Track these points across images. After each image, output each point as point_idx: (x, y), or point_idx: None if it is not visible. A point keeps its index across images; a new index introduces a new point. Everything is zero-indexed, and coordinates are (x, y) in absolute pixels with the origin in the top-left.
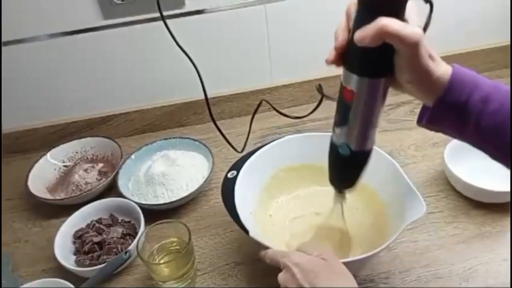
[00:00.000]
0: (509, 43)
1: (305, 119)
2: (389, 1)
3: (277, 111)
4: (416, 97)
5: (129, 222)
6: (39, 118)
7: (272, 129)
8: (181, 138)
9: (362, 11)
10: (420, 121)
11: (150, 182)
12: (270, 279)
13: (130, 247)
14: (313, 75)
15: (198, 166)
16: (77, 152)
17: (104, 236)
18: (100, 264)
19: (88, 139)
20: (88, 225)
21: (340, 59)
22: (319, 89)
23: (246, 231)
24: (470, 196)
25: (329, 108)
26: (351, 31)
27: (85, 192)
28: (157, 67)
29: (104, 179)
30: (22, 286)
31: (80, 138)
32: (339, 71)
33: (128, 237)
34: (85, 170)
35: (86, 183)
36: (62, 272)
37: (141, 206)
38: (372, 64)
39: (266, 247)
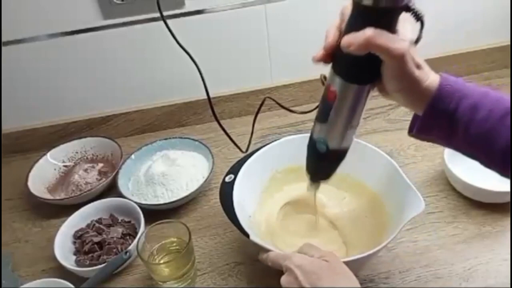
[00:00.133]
0: (509, 43)
1: (305, 119)
2: (381, 12)
3: (283, 107)
4: (405, 106)
5: (129, 222)
6: (39, 118)
7: (272, 129)
8: (181, 138)
9: (353, 17)
10: (411, 131)
11: (150, 182)
12: (270, 279)
13: (130, 247)
14: (313, 75)
15: (198, 166)
16: (77, 152)
17: (104, 236)
18: (100, 264)
19: (88, 139)
20: (88, 225)
21: (327, 58)
22: (325, 80)
23: (247, 235)
24: (470, 196)
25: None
26: (342, 33)
27: (85, 192)
28: (157, 67)
29: (104, 179)
30: (22, 286)
31: (80, 138)
32: None
33: (128, 237)
34: (85, 170)
35: (86, 183)
36: (62, 272)
37: (141, 206)
38: (357, 71)
39: (267, 250)
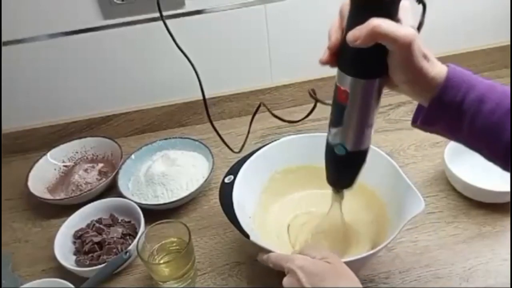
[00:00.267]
0: (509, 43)
1: (305, 119)
2: (382, 1)
3: (273, 115)
4: (412, 98)
5: (129, 222)
6: (39, 118)
7: (272, 129)
8: (181, 138)
9: (354, 11)
10: (415, 122)
11: (150, 182)
12: (270, 279)
13: (130, 247)
14: (313, 75)
15: (198, 166)
16: (77, 152)
17: (104, 236)
18: (100, 264)
19: (88, 139)
20: (88, 225)
21: (333, 59)
22: (312, 94)
23: (247, 236)
24: (470, 196)
25: (329, 108)
26: (344, 31)
27: (85, 192)
28: (157, 67)
29: (104, 179)
30: (22, 286)
31: (80, 138)
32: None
33: (128, 237)
34: (85, 170)
35: (86, 183)
36: (62, 272)
37: (141, 206)
38: (366, 65)
39: (268, 251)
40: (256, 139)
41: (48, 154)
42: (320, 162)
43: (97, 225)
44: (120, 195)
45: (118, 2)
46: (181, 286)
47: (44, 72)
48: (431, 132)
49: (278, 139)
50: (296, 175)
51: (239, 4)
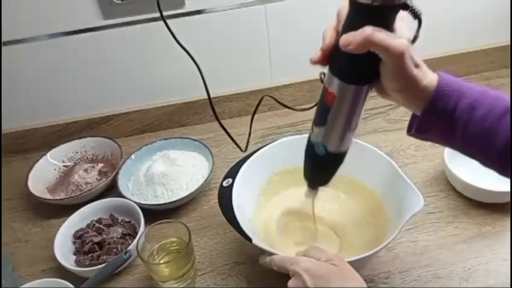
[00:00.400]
0: (509, 43)
1: (305, 119)
2: (379, 10)
3: (282, 104)
4: (404, 106)
5: (129, 222)
6: (39, 118)
7: (272, 129)
8: (181, 138)
9: (351, 16)
10: (410, 131)
11: (150, 182)
12: (270, 279)
13: (130, 247)
14: (313, 75)
15: (198, 166)
16: (77, 152)
17: (104, 236)
18: (100, 264)
19: (88, 139)
20: (88, 225)
21: (325, 60)
22: (323, 79)
23: (249, 240)
24: (470, 196)
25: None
26: (339, 34)
27: (85, 192)
28: (157, 67)
29: (104, 179)
30: (22, 286)
31: (80, 138)
32: None
33: (128, 237)
34: (85, 170)
35: (86, 183)
36: (62, 272)
37: (141, 206)
38: (356, 71)
39: (270, 253)
40: (256, 139)
41: (48, 154)
42: None
43: (97, 225)
44: (120, 195)
45: (118, 2)
46: (181, 286)
47: (44, 72)
48: (426, 140)
49: (278, 139)
50: (294, 176)
51: (239, 4)
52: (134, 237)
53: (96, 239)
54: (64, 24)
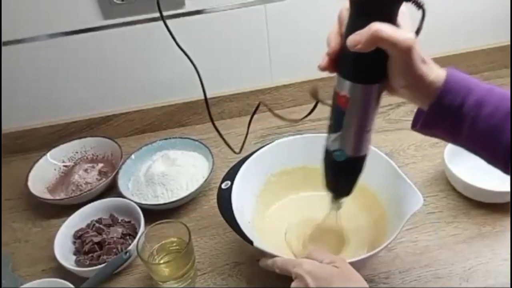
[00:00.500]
0: (509, 43)
1: (305, 119)
2: (382, 5)
3: (273, 113)
4: (411, 101)
5: (129, 222)
6: (39, 118)
7: (272, 129)
8: (181, 138)
9: (354, 16)
10: (415, 126)
11: (150, 182)
12: (270, 279)
13: (130, 247)
14: (313, 75)
15: (198, 166)
16: (77, 152)
17: (104, 236)
18: (100, 264)
19: (88, 139)
20: (88, 225)
21: (332, 65)
22: (314, 93)
23: (250, 242)
24: (470, 196)
25: (329, 108)
26: (344, 36)
27: (85, 192)
28: (157, 67)
29: (104, 179)
30: (22, 286)
31: (80, 138)
32: None
33: (128, 237)
34: (85, 170)
35: (86, 183)
36: (62, 272)
37: (141, 206)
38: (366, 70)
39: (272, 256)
40: (256, 139)
41: (48, 154)
42: (315, 163)
43: (97, 225)
44: (120, 195)
45: (118, 2)
46: (181, 286)
47: (44, 72)
48: (431, 135)
49: (278, 139)
50: (292, 177)
51: (239, 4)
52: (134, 237)
53: (96, 239)
54: (64, 24)
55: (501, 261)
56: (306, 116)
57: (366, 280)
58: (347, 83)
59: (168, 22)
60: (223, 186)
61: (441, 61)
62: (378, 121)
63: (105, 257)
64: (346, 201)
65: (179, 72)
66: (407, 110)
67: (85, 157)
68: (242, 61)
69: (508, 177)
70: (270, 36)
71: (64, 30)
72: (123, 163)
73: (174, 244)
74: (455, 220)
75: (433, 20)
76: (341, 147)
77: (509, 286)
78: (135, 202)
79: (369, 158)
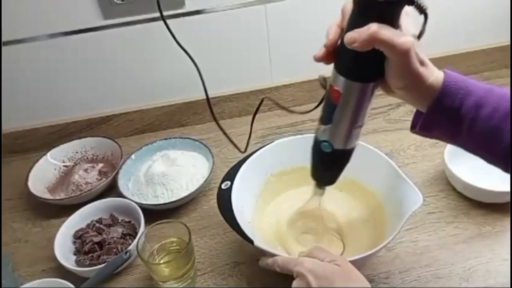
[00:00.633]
0: (509, 43)
1: (305, 118)
2: (383, 7)
3: (281, 106)
4: (408, 103)
5: (129, 222)
6: (39, 118)
7: (272, 129)
8: (181, 138)
9: (356, 13)
10: (414, 128)
11: (150, 182)
12: (270, 279)
13: (130, 247)
14: (313, 75)
15: (198, 166)
16: (77, 152)
17: (104, 236)
18: (100, 264)
19: (88, 139)
20: (88, 225)
21: (328, 57)
22: (323, 83)
23: (251, 242)
24: (470, 196)
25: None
26: (343, 33)
27: (85, 192)
28: (157, 67)
29: (104, 179)
30: (22, 286)
31: (80, 138)
32: None
33: (128, 237)
34: (85, 170)
35: (86, 183)
36: (62, 272)
37: (141, 206)
38: (361, 69)
39: (272, 255)
40: (257, 139)
41: (48, 154)
42: None
43: (97, 225)
44: (120, 195)
45: (118, 2)
46: (181, 286)
47: (44, 72)
48: (430, 137)
49: (278, 139)
50: (291, 177)
51: (239, 4)
52: (134, 237)
53: (96, 239)
54: (64, 24)
55: (501, 261)
56: (316, 107)
57: (366, 279)
58: (341, 79)
59: (168, 22)
60: (223, 186)
61: (441, 61)
62: (378, 121)
63: (105, 257)
64: (346, 201)
65: (179, 72)
66: (407, 110)
67: (85, 157)
68: (242, 61)
69: (508, 177)
70: (270, 36)
71: (64, 30)
72: (123, 163)
73: (174, 244)
74: (455, 220)
75: (433, 20)
76: (329, 139)
77: (509, 286)
78: (135, 202)
79: (369, 158)
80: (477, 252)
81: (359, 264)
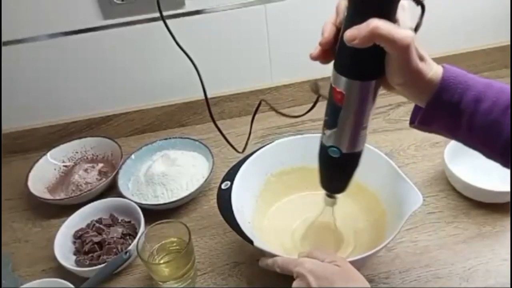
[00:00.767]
0: (509, 43)
1: (305, 118)
2: (381, 1)
3: (275, 110)
4: (408, 99)
5: (129, 222)
6: (39, 118)
7: (272, 129)
8: (181, 138)
9: (352, 11)
10: (413, 123)
11: (150, 182)
12: (270, 279)
13: (130, 247)
14: (313, 75)
15: (198, 166)
16: (77, 152)
17: (104, 236)
18: (100, 264)
19: (88, 139)
20: (88, 225)
21: (324, 55)
22: (315, 88)
23: (251, 242)
24: (470, 196)
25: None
26: (341, 31)
27: (85, 192)
28: (157, 67)
29: (104, 179)
30: (22, 286)
31: (80, 138)
32: None
33: (128, 237)
34: (85, 170)
35: (86, 183)
36: (62, 272)
37: (141, 206)
38: (362, 67)
39: (272, 255)
40: (256, 139)
41: (48, 154)
42: (314, 163)
43: (97, 225)
44: (120, 195)
45: (118, 2)
46: (181, 286)
47: (44, 72)
48: (429, 131)
49: (278, 139)
50: (291, 177)
51: (239, 4)
52: (134, 237)
53: (96, 239)
54: (64, 24)
55: (501, 261)
56: (308, 111)
57: (366, 279)
58: (343, 79)
59: (168, 22)
60: (223, 186)
61: (441, 61)
62: (378, 121)
63: (105, 257)
64: (346, 201)
65: (179, 72)
66: (407, 110)
67: (85, 157)
68: (242, 61)
69: (508, 178)
70: (270, 36)
71: (64, 30)
72: (123, 163)
73: (174, 244)
74: (455, 220)
75: (433, 20)
76: (336, 143)
77: (509, 286)
78: (135, 202)
79: (369, 158)
80: (477, 252)
81: (359, 264)
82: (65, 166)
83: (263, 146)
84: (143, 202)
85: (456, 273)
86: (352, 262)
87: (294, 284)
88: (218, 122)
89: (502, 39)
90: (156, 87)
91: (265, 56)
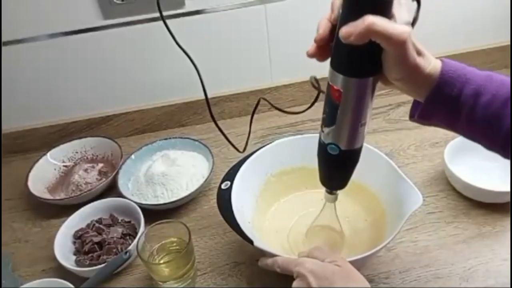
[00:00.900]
0: (509, 43)
1: (305, 118)
2: None
3: (275, 107)
4: (407, 93)
5: (129, 222)
6: (39, 118)
7: (272, 129)
8: (181, 138)
9: (347, 7)
10: (412, 117)
11: (150, 182)
12: (270, 279)
13: (130, 247)
14: (313, 75)
15: (198, 166)
16: (77, 152)
17: (104, 236)
18: (100, 264)
19: (88, 139)
20: (88, 225)
21: (320, 52)
22: (315, 84)
23: (251, 242)
24: (470, 196)
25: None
26: (337, 28)
27: (85, 192)
28: (157, 67)
29: (104, 179)
30: (22, 286)
31: (80, 138)
32: None
33: (128, 237)
34: (85, 170)
35: (86, 183)
36: (62, 272)
37: (141, 206)
38: (358, 64)
39: (273, 255)
40: (256, 139)
41: (48, 154)
42: (314, 163)
43: (97, 225)
44: (120, 195)
45: (118, 2)
46: (181, 286)
47: (44, 72)
48: (429, 125)
49: (278, 139)
50: (291, 177)
51: (239, 4)
52: (134, 237)
53: (96, 239)
54: (64, 24)
55: (501, 261)
56: (309, 107)
57: (366, 279)
58: (340, 77)
59: (168, 22)
60: (223, 186)
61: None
62: (378, 121)
63: (105, 257)
64: (346, 201)
65: (179, 72)
66: (407, 110)
67: (85, 157)
68: (242, 61)
69: (508, 178)
70: (270, 36)
71: (64, 30)
72: (123, 163)
73: (174, 244)
74: (455, 220)
75: (433, 20)
76: (334, 140)
77: (509, 286)
78: (135, 202)
79: (369, 158)
80: (477, 252)
81: (359, 264)
82: (65, 166)
83: (263, 146)
84: (143, 202)
85: (456, 273)
86: (352, 262)
87: (294, 284)
88: (218, 122)
89: (502, 39)
90: (156, 87)
91: (265, 56)
